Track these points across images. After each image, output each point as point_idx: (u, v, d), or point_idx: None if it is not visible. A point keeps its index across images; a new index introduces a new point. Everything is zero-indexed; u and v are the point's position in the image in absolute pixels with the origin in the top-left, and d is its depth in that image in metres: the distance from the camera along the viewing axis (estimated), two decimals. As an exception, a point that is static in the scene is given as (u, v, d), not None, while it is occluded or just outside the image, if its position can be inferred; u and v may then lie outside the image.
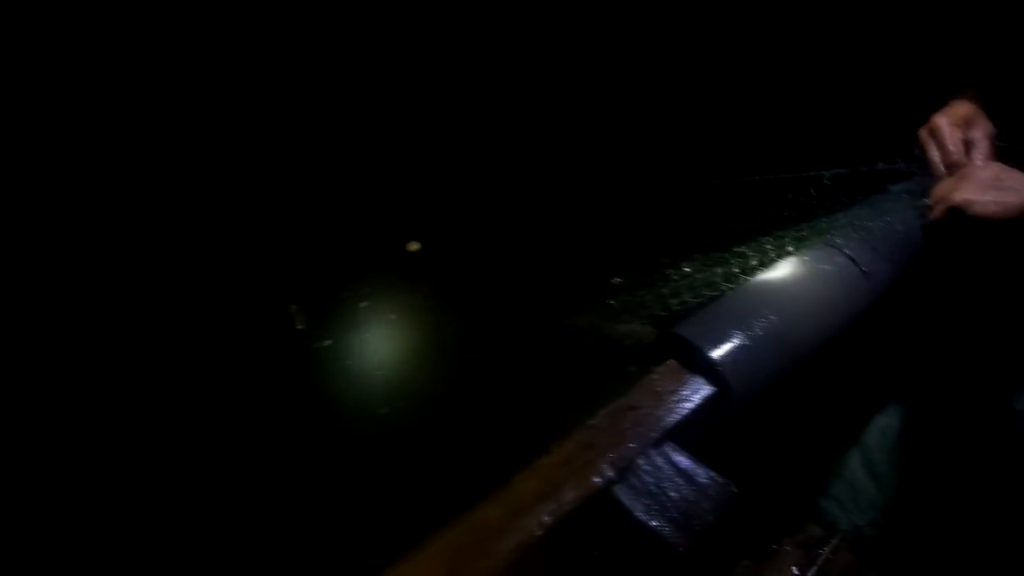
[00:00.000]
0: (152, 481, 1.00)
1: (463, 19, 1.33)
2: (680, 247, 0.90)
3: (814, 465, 0.99)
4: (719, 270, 0.87)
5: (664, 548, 0.72)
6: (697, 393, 0.80)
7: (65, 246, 1.16)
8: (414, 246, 1.15)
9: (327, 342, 1.03)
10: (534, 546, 0.68)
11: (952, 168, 0.99)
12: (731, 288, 0.86)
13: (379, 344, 1.05)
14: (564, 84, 1.42)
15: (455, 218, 1.20)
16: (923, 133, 1.06)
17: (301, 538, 0.91)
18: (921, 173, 1.03)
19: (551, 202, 1.22)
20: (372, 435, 0.95)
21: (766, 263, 0.88)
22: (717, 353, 0.79)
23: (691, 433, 0.80)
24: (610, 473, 0.76)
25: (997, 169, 0.95)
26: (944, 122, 1.03)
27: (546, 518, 0.73)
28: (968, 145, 1.01)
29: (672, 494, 0.76)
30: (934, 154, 1.01)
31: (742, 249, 0.89)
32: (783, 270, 0.87)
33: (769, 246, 0.89)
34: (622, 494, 0.75)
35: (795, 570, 0.99)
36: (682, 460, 0.77)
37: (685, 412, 0.79)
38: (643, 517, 0.74)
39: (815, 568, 0.99)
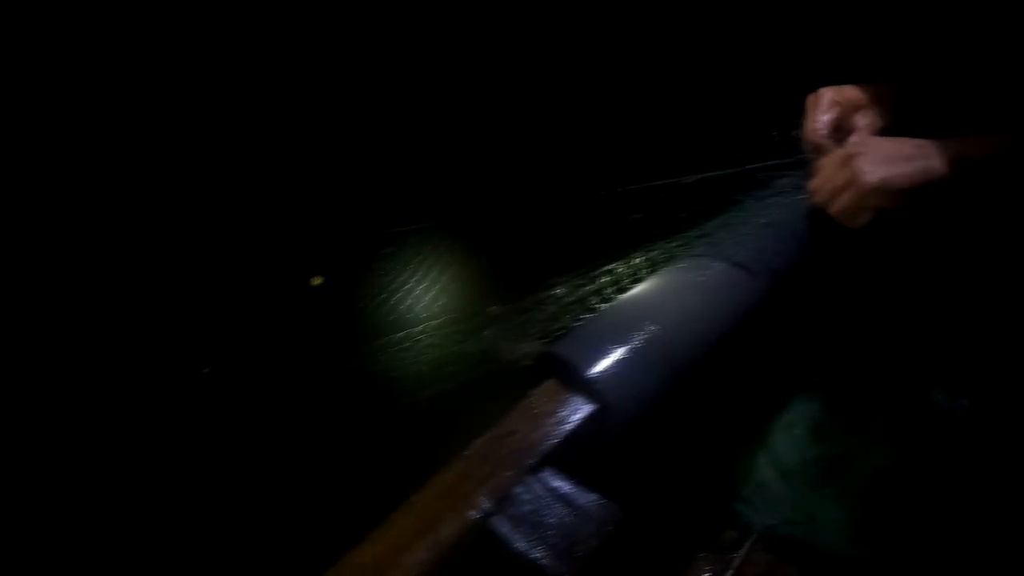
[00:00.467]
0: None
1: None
2: (557, 265, 0.87)
3: (723, 470, 0.96)
4: (594, 287, 0.84)
5: (545, 577, 0.69)
6: (576, 413, 0.77)
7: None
8: (317, 280, 1.10)
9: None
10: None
11: (815, 149, 0.94)
12: (607, 303, 0.83)
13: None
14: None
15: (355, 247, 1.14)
16: (808, 100, 0.99)
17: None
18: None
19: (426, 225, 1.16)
20: (250, 477, 0.91)
21: (642, 275, 0.85)
22: (593, 369, 0.77)
23: (573, 455, 0.77)
24: (487, 504, 0.73)
25: (885, 141, 0.91)
26: (825, 96, 0.97)
27: (425, 555, 0.71)
28: (844, 129, 0.96)
29: (552, 521, 0.73)
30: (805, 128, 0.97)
31: (616, 263, 0.86)
32: (659, 280, 0.84)
33: (644, 257, 0.86)
34: (500, 525, 0.73)
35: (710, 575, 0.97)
36: (562, 485, 0.74)
37: (564, 434, 0.76)
38: (522, 547, 0.72)
39: (731, 571, 0.97)
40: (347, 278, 1.10)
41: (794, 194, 0.94)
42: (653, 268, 0.86)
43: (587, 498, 0.74)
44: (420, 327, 0.93)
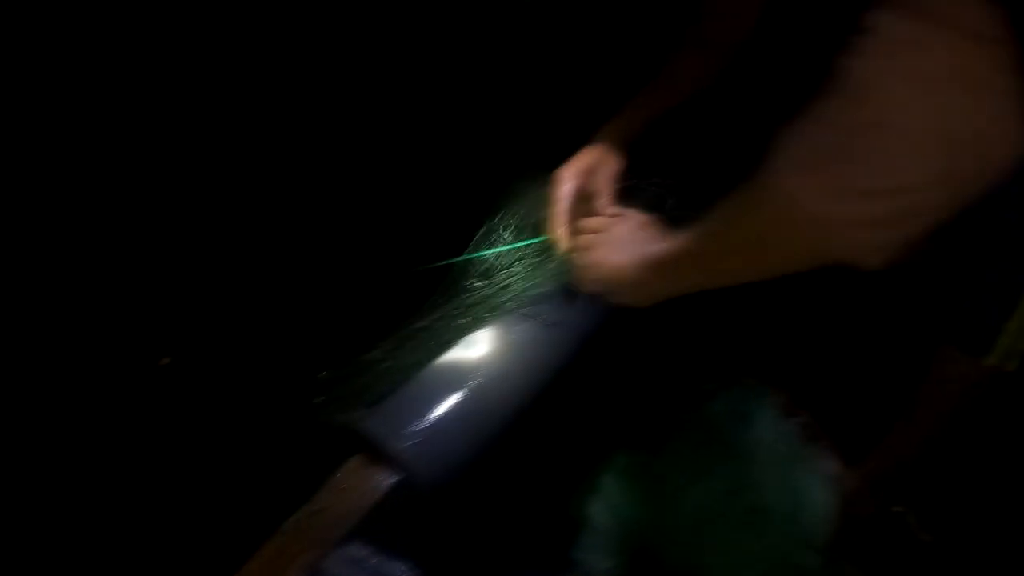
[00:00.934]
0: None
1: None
2: (370, 331, 0.90)
3: (563, 521, 1.00)
4: (402, 353, 0.88)
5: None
6: (382, 484, 0.80)
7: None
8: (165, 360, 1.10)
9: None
10: None
11: (574, 231, 0.94)
12: (417, 369, 0.86)
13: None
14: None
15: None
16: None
17: None
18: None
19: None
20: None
21: (449, 339, 0.89)
22: (398, 441, 0.80)
23: (381, 526, 0.79)
24: (297, 583, 0.74)
25: (623, 227, 0.89)
26: (565, 176, 0.95)
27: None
28: (590, 195, 0.95)
29: (360, 594, 0.75)
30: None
31: (423, 324, 0.90)
32: (466, 344, 0.89)
33: (449, 319, 0.90)
34: (310, 602, 0.74)
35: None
36: (371, 558, 0.77)
37: (371, 506, 0.79)
38: (331, 624, 0.73)
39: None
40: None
41: None
42: (464, 328, 0.90)
43: (395, 568, 0.77)
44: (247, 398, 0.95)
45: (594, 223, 0.92)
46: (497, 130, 1.23)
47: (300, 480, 0.82)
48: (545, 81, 1.26)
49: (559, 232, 0.94)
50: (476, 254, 0.96)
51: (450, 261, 0.96)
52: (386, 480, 0.80)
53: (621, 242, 0.87)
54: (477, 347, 0.89)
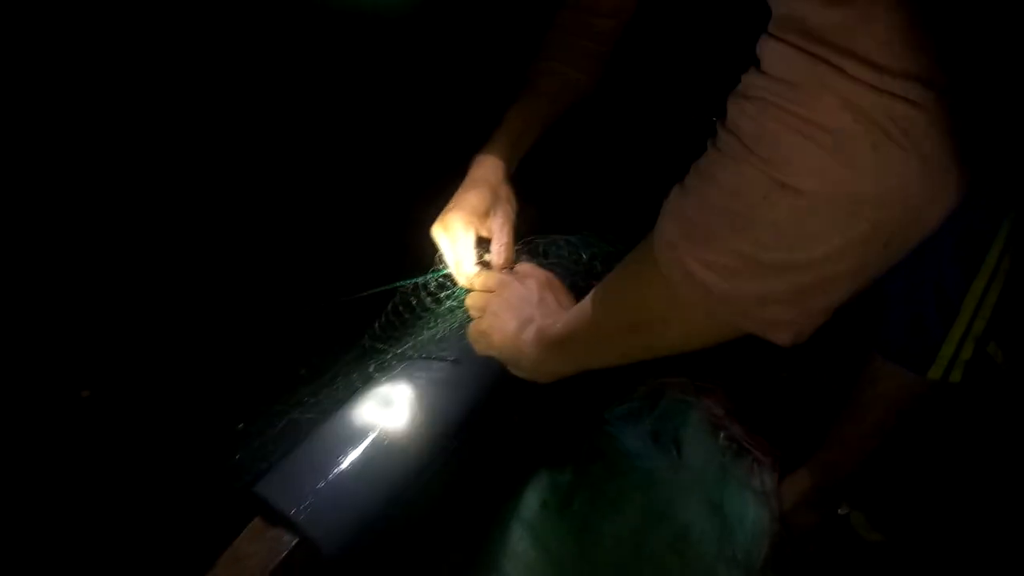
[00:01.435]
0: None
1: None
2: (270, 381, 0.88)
3: (489, 556, 0.98)
4: (304, 408, 0.86)
5: None
6: (278, 548, 0.78)
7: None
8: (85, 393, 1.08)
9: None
10: None
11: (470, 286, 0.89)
12: (315, 427, 0.84)
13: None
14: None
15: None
16: (434, 235, 0.91)
17: None
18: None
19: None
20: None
21: (351, 391, 0.87)
22: (293, 503, 0.78)
23: (283, 591, 0.78)
24: (194, 659, 0.73)
25: (520, 290, 0.82)
26: (452, 224, 0.87)
27: None
28: (487, 239, 0.90)
29: (260, 664, 0.74)
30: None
31: (325, 376, 0.88)
32: (368, 395, 0.87)
33: (351, 369, 0.88)
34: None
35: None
36: (270, 626, 0.75)
37: (270, 572, 0.77)
38: None
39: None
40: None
41: None
42: (367, 379, 0.88)
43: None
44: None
45: (489, 281, 0.85)
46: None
47: (200, 547, 0.80)
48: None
49: (463, 283, 0.90)
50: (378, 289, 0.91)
51: (356, 295, 0.91)
52: (283, 545, 0.78)
53: (518, 307, 0.79)
54: (379, 397, 0.87)
